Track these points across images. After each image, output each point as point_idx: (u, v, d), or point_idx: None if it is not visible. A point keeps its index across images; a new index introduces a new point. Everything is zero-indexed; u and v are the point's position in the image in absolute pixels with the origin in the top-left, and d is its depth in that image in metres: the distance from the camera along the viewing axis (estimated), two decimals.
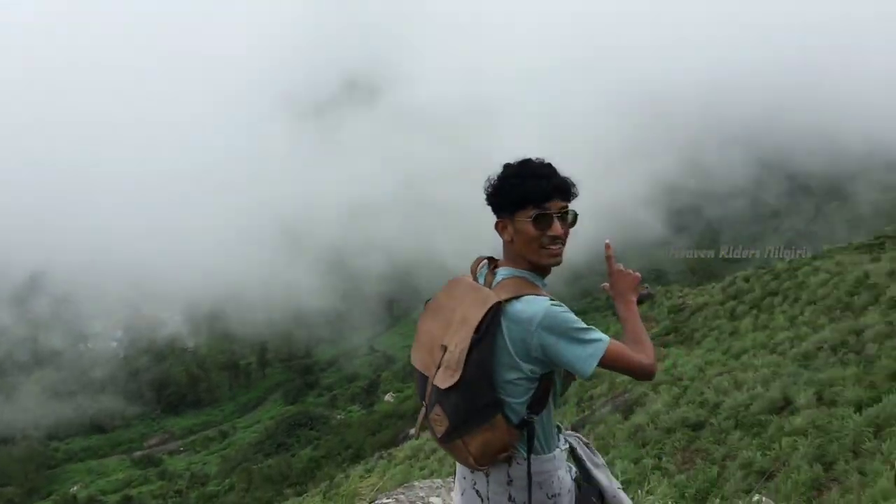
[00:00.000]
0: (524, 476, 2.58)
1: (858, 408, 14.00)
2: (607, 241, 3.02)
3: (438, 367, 2.45)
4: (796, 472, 12.31)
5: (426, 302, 2.81)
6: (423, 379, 2.65)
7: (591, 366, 2.54)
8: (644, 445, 18.01)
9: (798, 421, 14.67)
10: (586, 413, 23.48)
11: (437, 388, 2.44)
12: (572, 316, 2.56)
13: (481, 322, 2.41)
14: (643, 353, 2.81)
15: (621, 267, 3.00)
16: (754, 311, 27.69)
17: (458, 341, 2.44)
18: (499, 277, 2.67)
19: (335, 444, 79.19)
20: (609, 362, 2.58)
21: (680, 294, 37.69)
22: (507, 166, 2.71)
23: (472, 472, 2.67)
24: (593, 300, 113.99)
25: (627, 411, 21.36)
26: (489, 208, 2.71)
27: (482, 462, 2.50)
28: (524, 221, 2.67)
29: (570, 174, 2.78)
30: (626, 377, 24.32)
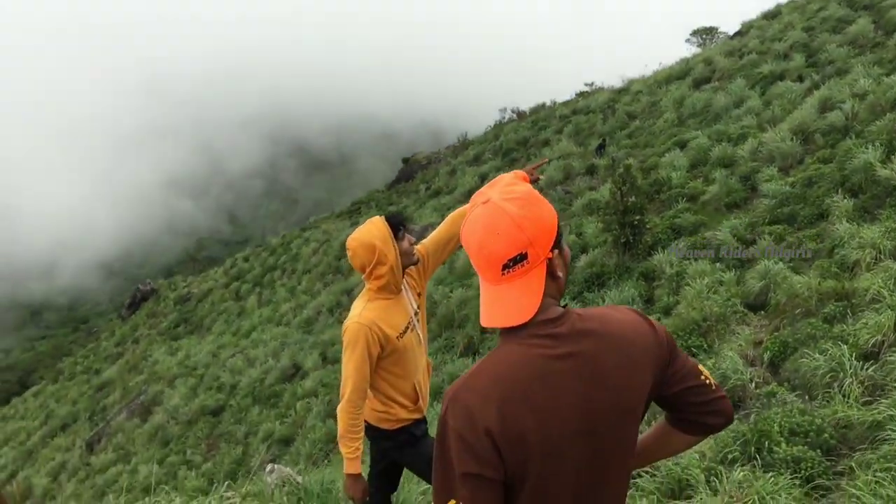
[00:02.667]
0: None
1: None
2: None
3: None
4: (312, 432, 13.13)
5: None
6: None
7: None
8: (167, 444, 17.49)
9: (308, 384, 15.66)
10: (101, 426, 21.86)
11: None
12: None
13: None
14: None
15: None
16: (257, 289, 28.62)
17: None
18: None
19: None
20: None
21: (184, 284, 37.23)
22: None
23: None
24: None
25: (145, 413, 20.45)
26: None
27: None
28: None
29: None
30: (140, 378, 23.01)
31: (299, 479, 5.47)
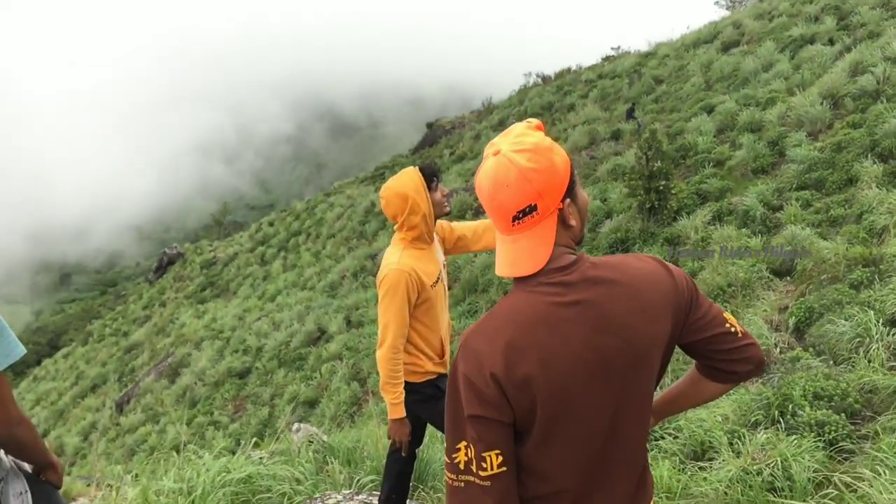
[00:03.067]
0: None
1: None
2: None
3: None
4: (337, 394, 13.30)
5: None
6: None
7: (9, 356, 2.14)
8: (195, 405, 17.80)
9: (333, 347, 15.82)
10: (129, 387, 22.29)
11: None
12: None
13: None
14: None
15: None
16: (282, 253, 28.83)
17: None
18: None
19: None
20: None
21: (210, 248, 37.58)
22: None
23: None
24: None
25: (173, 375, 20.80)
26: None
27: None
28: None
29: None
30: (167, 341, 23.27)
31: (325, 437, 5.56)
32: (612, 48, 33.22)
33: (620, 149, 17.23)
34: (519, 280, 1.65)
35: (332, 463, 4.57)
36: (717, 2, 42.44)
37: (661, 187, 11.57)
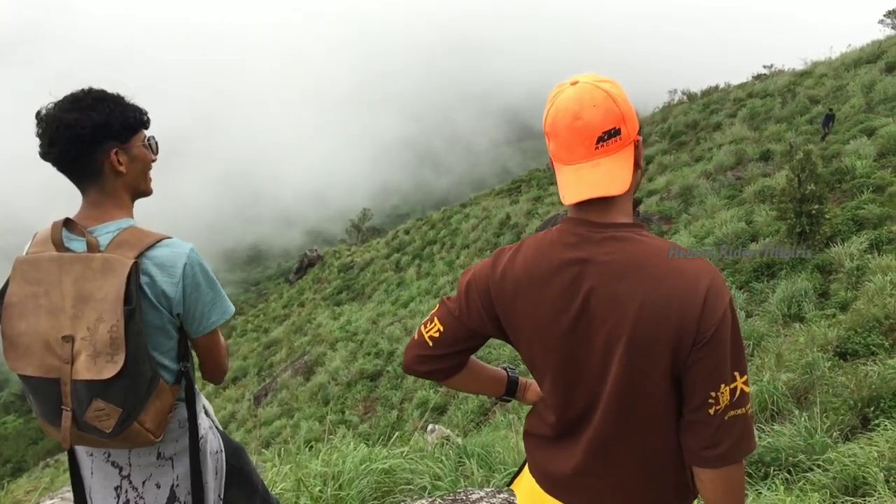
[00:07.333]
0: (176, 427, 2.30)
1: None
2: None
3: (73, 362, 2.05)
4: (465, 402, 13.41)
5: None
6: (50, 383, 2.06)
7: (226, 313, 2.29)
8: (327, 403, 18.41)
9: None
10: (267, 381, 23.32)
11: (91, 383, 2.02)
12: None
13: (128, 289, 2.00)
14: None
15: None
16: (417, 261, 29.37)
17: (95, 322, 1.99)
18: (107, 235, 2.12)
19: None
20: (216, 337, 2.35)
21: (348, 252, 38.81)
22: (85, 92, 2.11)
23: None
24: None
25: (308, 373, 21.59)
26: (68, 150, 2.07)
27: (160, 433, 2.19)
28: (141, 147, 2.20)
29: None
30: (304, 339, 24.04)
31: (458, 440, 5.64)
32: (765, 66, 32.05)
33: (769, 170, 16.57)
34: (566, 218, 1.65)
35: (467, 463, 4.64)
36: (881, 20, 39.96)
37: (814, 211, 11.05)
